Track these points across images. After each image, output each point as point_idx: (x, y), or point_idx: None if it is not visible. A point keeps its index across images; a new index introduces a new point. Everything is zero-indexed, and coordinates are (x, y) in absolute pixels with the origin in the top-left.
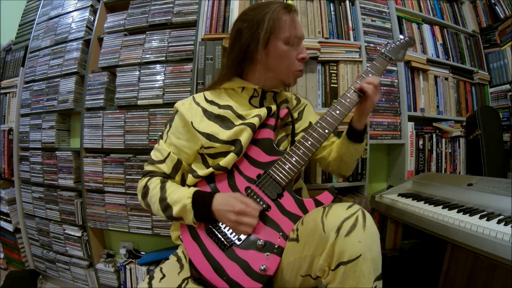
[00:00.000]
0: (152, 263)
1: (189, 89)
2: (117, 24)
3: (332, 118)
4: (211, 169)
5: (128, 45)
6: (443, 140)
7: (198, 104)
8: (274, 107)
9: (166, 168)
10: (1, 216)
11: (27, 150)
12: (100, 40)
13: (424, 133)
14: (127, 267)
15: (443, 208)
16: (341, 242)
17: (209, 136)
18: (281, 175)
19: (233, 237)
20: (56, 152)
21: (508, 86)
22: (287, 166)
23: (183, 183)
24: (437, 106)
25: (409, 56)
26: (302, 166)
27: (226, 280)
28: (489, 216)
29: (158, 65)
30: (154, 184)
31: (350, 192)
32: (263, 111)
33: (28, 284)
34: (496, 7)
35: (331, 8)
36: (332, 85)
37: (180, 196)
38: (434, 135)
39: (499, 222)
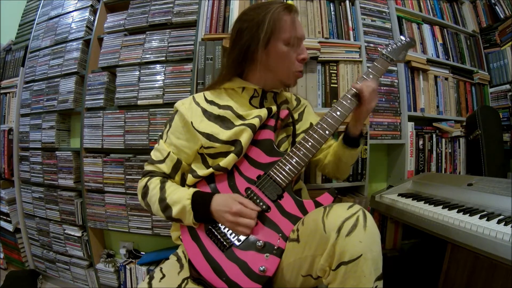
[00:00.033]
0: (152, 263)
1: (189, 89)
2: (117, 24)
3: (333, 119)
4: (211, 170)
5: (128, 45)
6: (443, 140)
7: (198, 104)
8: (274, 108)
9: (165, 168)
10: (1, 216)
11: (27, 150)
12: (100, 40)
13: (424, 133)
14: (127, 267)
15: (443, 208)
16: (342, 242)
17: (209, 136)
18: (281, 176)
19: (233, 238)
20: (56, 152)
21: (508, 86)
22: (287, 167)
23: (183, 183)
24: (437, 106)
25: (409, 56)
26: (302, 167)
27: (225, 280)
28: (489, 216)
29: (158, 65)
30: (154, 184)
31: (350, 192)
32: (263, 112)
33: (28, 284)
34: (496, 7)
35: (331, 8)
36: (332, 85)
37: (180, 196)
38: (434, 135)
39: (499, 222)
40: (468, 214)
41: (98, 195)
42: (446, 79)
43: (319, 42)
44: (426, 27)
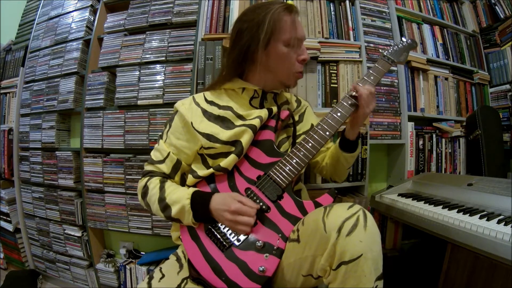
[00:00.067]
0: (152, 263)
1: (189, 89)
2: (117, 24)
3: (333, 120)
4: (211, 170)
5: (128, 45)
6: (443, 140)
7: (198, 104)
8: (275, 109)
9: (165, 168)
10: (1, 216)
11: (27, 150)
12: (100, 40)
13: (424, 133)
14: (127, 267)
15: (443, 208)
16: (343, 242)
17: (209, 137)
18: (281, 176)
19: (232, 237)
20: (56, 152)
21: (508, 86)
22: (288, 168)
23: (182, 183)
24: (437, 106)
25: (409, 56)
26: (302, 168)
27: (225, 280)
28: (489, 216)
29: (158, 65)
30: (154, 184)
31: (350, 192)
32: (264, 112)
33: (28, 284)
34: (496, 7)
35: (331, 8)
36: (332, 85)
37: (179, 196)
38: (434, 135)
39: (499, 222)
40: (468, 214)
41: (98, 195)
42: (446, 79)
43: (319, 42)
44: (426, 27)
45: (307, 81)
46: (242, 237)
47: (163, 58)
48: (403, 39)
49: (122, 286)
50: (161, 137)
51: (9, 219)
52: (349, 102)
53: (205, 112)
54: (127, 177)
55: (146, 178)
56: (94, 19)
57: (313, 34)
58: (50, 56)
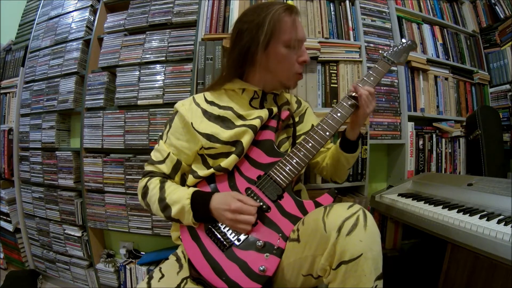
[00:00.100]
0: (152, 263)
1: (189, 89)
2: (117, 24)
3: (333, 121)
4: (211, 170)
5: (128, 45)
6: (443, 140)
7: (198, 105)
8: (275, 109)
9: (165, 168)
10: (1, 216)
11: (27, 150)
12: (100, 40)
13: (424, 133)
14: (127, 267)
15: (443, 208)
16: (343, 242)
17: (210, 137)
18: (281, 176)
19: (233, 237)
20: (56, 152)
21: (508, 86)
22: (288, 168)
23: (183, 183)
24: (437, 106)
25: (409, 56)
26: (302, 168)
27: (225, 280)
28: (489, 216)
29: (158, 65)
30: (154, 184)
31: (350, 192)
32: (264, 113)
33: (28, 284)
34: (496, 7)
35: (331, 8)
36: (332, 85)
37: (179, 196)
38: (434, 135)
39: (499, 222)
40: (468, 214)
41: (98, 195)
42: (446, 79)
43: (319, 42)
44: (426, 27)
45: (307, 81)
46: (242, 237)
47: (163, 58)
48: (403, 40)
49: (122, 286)
50: (161, 137)
51: (9, 219)
52: (349, 103)
53: (205, 112)
54: (127, 177)
55: (146, 179)
56: (94, 19)
57: (313, 34)
58: (50, 56)
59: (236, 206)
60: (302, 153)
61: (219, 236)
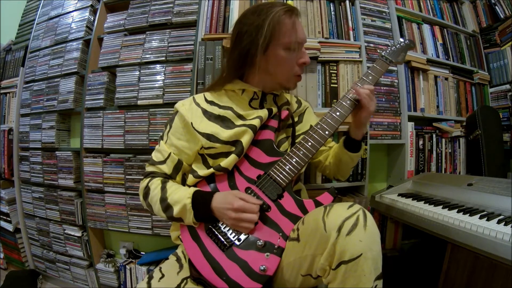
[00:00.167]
0: (152, 263)
1: (189, 89)
2: (117, 24)
3: (333, 120)
4: (211, 170)
5: (128, 45)
6: (443, 140)
7: (198, 105)
8: (275, 109)
9: (166, 168)
10: (1, 216)
11: (27, 150)
12: (100, 40)
13: (424, 133)
14: (127, 267)
15: (443, 208)
16: (342, 241)
17: (210, 137)
18: (281, 175)
19: (233, 237)
20: (56, 152)
21: (508, 86)
22: (288, 167)
23: (184, 183)
24: (437, 106)
25: (409, 56)
26: (302, 167)
27: (226, 280)
28: (489, 216)
29: (158, 65)
30: (155, 184)
31: (350, 192)
32: (264, 113)
33: (28, 284)
34: (496, 7)
35: (331, 8)
36: (332, 85)
37: (181, 196)
38: (434, 135)
39: (499, 222)
40: (468, 214)
41: (98, 195)
42: (446, 79)
43: (319, 42)
44: (426, 27)
45: (307, 81)
46: (242, 237)
47: (163, 58)
48: (401, 39)
49: (122, 286)
50: (161, 138)
51: (9, 219)
52: (348, 102)
53: (205, 112)
54: (127, 177)
55: (148, 179)
56: (94, 19)
57: (313, 34)
58: (50, 56)
59: (239, 205)
60: (301, 152)
61: (219, 236)
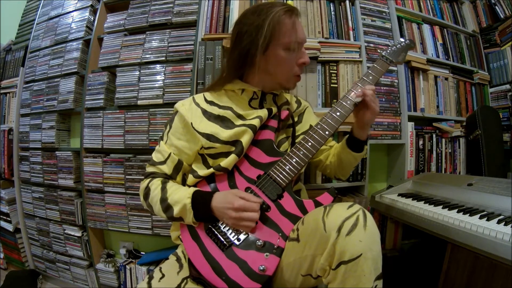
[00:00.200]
0: (152, 263)
1: (189, 89)
2: (117, 24)
3: (333, 120)
4: (211, 170)
5: (128, 45)
6: (443, 140)
7: (198, 105)
8: (274, 109)
9: (167, 169)
10: (1, 216)
11: (27, 150)
12: (100, 40)
13: (424, 133)
14: (127, 267)
15: (443, 208)
16: (342, 242)
17: (209, 137)
18: (281, 176)
19: (233, 237)
20: (56, 152)
21: (508, 86)
22: (287, 167)
23: (184, 183)
24: (437, 106)
25: (409, 56)
26: (302, 167)
27: (225, 280)
28: (489, 216)
29: (158, 65)
30: (156, 185)
31: (350, 192)
32: (264, 113)
33: (28, 284)
34: (496, 7)
35: (331, 8)
36: (332, 85)
37: (181, 196)
38: (434, 135)
39: (499, 222)
40: (468, 214)
41: (98, 195)
42: (446, 79)
43: (319, 42)
44: (426, 27)
45: (307, 81)
46: (242, 236)
47: (163, 58)
48: (401, 39)
49: (122, 286)
50: (161, 138)
51: (9, 219)
52: (348, 102)
53: (205, 112)
54: (127, 177)
55: (148, 180)
56: (94, 19)
57: (313, 34)
58: (50, 56)
59: (239, 204)
60: (301, 152)
61: (219, 235)
